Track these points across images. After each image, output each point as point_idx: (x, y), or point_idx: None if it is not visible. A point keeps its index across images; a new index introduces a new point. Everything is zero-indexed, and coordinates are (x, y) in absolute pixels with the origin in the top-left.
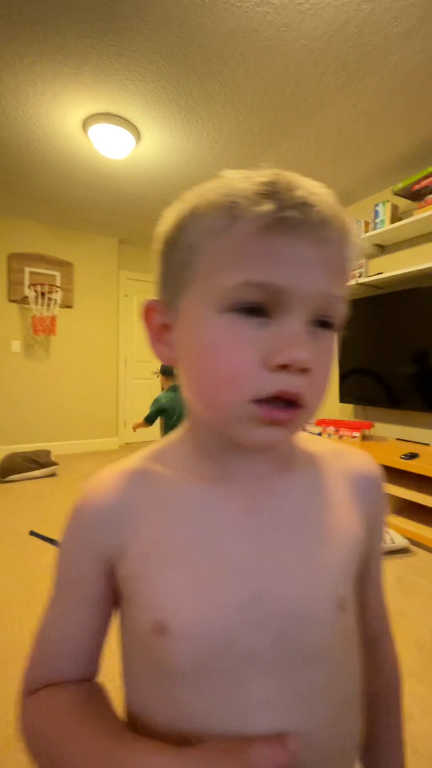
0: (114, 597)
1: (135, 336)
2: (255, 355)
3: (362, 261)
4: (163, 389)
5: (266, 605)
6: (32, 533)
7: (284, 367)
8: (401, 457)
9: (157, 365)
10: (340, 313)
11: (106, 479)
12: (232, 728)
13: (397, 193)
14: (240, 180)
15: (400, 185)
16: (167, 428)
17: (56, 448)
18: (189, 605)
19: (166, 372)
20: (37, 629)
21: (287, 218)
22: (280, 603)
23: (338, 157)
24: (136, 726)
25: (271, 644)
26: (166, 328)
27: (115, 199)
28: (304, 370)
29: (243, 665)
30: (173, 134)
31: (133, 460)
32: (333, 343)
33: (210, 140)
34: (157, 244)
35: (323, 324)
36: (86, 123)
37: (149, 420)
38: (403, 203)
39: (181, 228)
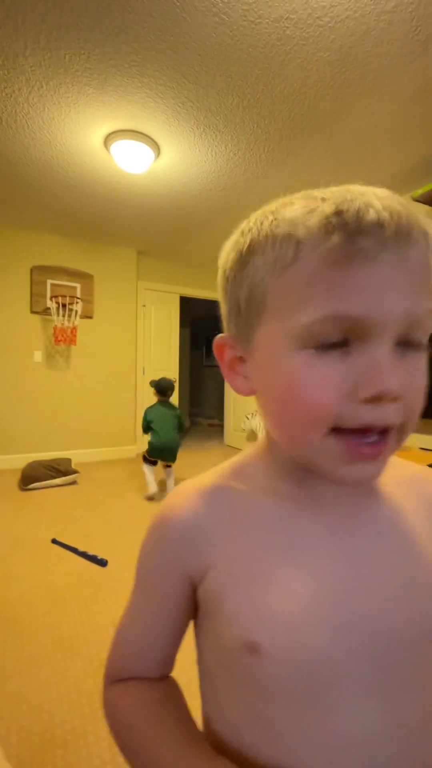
0: (193, 608)
1: (153, 345)
2: (339, 391)
3: None
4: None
5: (364, 629)
6: (54, 541)
7: (374, 399)
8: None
9: (174, 375)
10: (430, 326)
11: (188, 496)
12: (324, 756)
13: (416, 200)
14: (303, 213)
15: (420, 191)
16: (153, 436)
17: (76, 456)
18: (283, 627)
19: (159, 391)
20: (118, 628)
21: (360, 249)
22: (379, 627)
23: (356, 166)
24: (218, 742)
25: (367, 670)
26: (240, 360)
27: (135, 212)
28: (394, 399)
29: (338, 690)
30: (192, 148)
31: (212, 477)
32: (424, 361)
33: (228, 153)
34: (220, 279)
35: (412, 344)
36: (108, 140)
37: (144, 430)
38: (423, 209)
39: (242, 263)
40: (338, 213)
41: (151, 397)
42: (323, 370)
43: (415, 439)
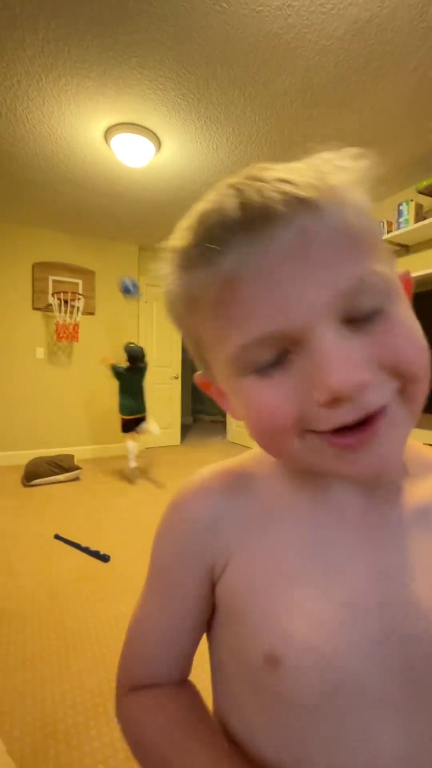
0: (211, 606)
1: (155, 341)
2: (295, 403)
3: None
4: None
5: (399, 645)
6: (57, 537)
7: (331, 404)
8: None
9: (176, 371)
10: (380, 285)
11: (209, 479)
12: None
13: (421, 192)
14: (171, 260)
15: (425, 183)
16: (124, 398)
17: (79, 452)
18: (308, 643)
19: (130, 359)
20: (130, 627)
21: (234, 268)
22: (416, 644)
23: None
24: (232, 741)
25: (401, 687)
26: (222, 392)
27: (136, 207)
28: (350, 397)
29: (365, 710)
30: (193, 141)
31: (235, 463)
32: (395, 317)
33: (230, 145)
34: None
35: (362, 315)
36: (108, 133)
37: (114, 371)
38: (427, 201)
39: (168, 312)
40: (196, 234)
41: (154, 394)
42: (271, 390)
43: (418, 435)
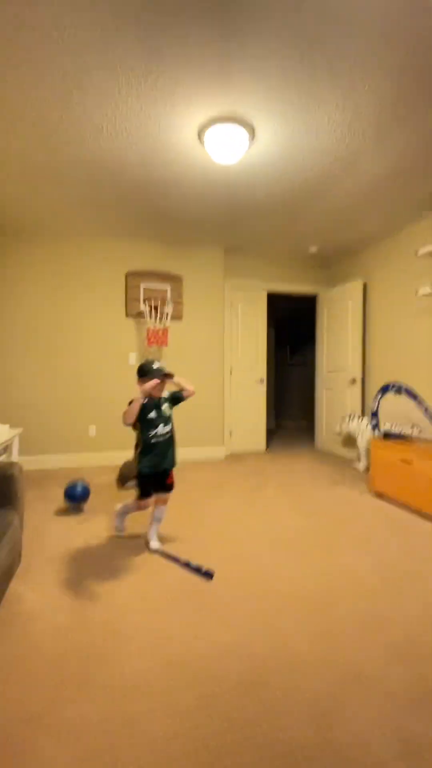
0: None
1: (240, 345)
2: None
3: None
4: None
5: None
6: (153, 549)
7: None
8: None
9: (261, 375)
10: None
11: None
12: None
13: None
14: None
15: None
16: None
17: None
18: None
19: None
20: None
21: None
22: None
23: None
24: None
25: None
26: None
27: (225, 210)
28: None
29: None
30: (289, 123)
31: None
32: None
33: (332, 124)
34: None
35: None
36: (202, 130)
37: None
38: None
39: None
40: None
41: (239, 398)
42: None
43: None
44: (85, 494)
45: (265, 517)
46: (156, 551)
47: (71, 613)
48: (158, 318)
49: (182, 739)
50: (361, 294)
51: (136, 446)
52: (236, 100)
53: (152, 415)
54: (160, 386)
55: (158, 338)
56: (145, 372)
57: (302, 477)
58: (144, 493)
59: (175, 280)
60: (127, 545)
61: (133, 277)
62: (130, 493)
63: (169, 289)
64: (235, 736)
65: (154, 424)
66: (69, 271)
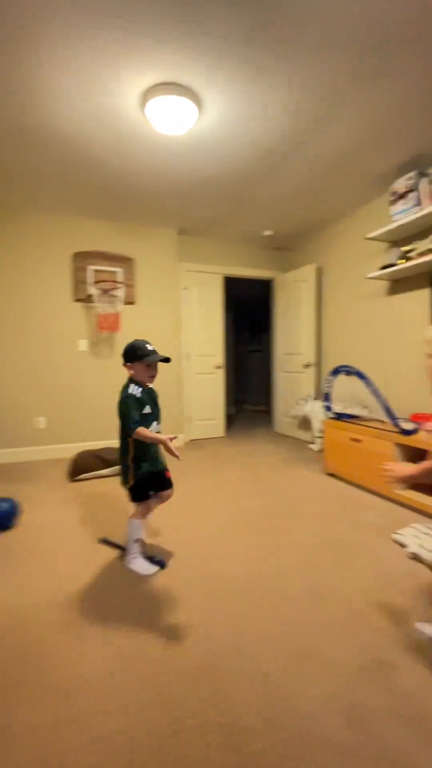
0: None
1: (195, 330)
2: None
3: None
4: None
5: None
6: (103, 541)
7: None
8: None
9: (219, 360)
10: None
11: None
12: None
13: None
14: None
15: None
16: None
17: None
18: None
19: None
20: None
21: None
22: None
23: None
24: None
25: None
26: None
27: (175, 185)
28: None
29: None
30: (240, 97)
31: None
32: None
33: (282, 98)
34: None
35: None
36: (144, 97)
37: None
38: None
39: None
40: None
41: (197, 384)
42: None
43: None
44: (12, 513)
45: (221, 500)
46: (104, 542)
47: (8, 614)
48: (109, 302)
49: (131, 733)
50: (314, 278)
51: (125, 455)
52: (177, 63)
53: (147, 410)
54: (153, 372)
55: (110, 324)
56: (138, 355)
57: (259, 460)
58: (144, 497)
59: (126, 262)
60: (78, 538)
61: (80, 259)
62: (80, 485)
63: (120, 271)
64: (185, 723)
65: (148, 421)
66: (6, 251)
